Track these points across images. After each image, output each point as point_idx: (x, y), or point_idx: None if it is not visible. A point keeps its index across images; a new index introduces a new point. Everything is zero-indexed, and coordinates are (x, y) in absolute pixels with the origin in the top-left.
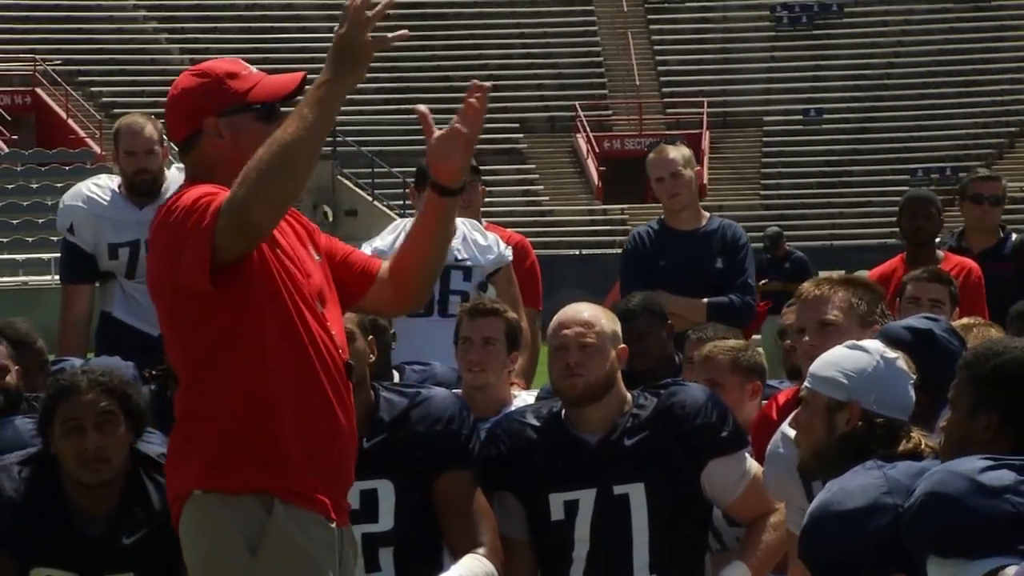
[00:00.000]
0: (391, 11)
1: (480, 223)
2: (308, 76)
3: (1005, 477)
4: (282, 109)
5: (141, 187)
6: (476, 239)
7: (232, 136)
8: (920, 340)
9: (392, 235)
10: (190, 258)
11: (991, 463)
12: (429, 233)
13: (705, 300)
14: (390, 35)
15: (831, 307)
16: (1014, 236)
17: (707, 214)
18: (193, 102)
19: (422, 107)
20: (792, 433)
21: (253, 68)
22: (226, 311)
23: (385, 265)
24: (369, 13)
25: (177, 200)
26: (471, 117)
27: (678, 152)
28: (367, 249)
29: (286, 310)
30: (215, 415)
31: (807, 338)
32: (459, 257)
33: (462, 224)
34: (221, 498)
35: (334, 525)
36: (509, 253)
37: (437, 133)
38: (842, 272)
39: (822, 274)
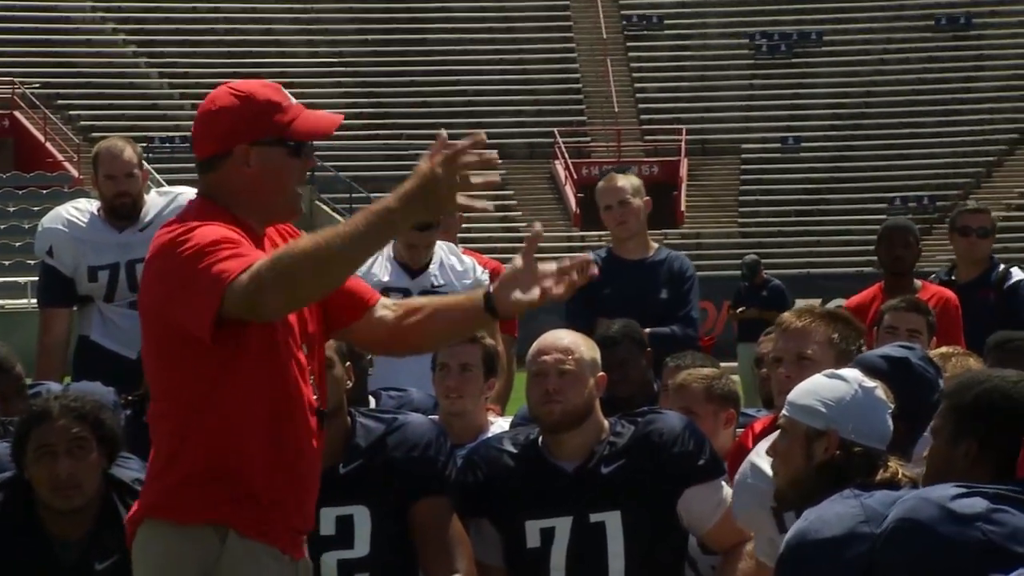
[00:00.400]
0: (368, 37)
1: (456, 248)
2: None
3: (977, 505)
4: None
5: (121, 210)
6: (453, 264)
7: (260, 167)
8: (896, 369)
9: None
10: (198, 307)
11: (964, 491)
12: (455, 326)
13: (648, 330)
14: (478, 203)
15: (811, 341)
16: (1002, 267)
17: (655, 245)
18: (229, 123)
19: (537, 226)
20: (761, 463)
21: (292, 98)
22: (215, 360)
23: (385, 304)
24: (467, 159)
25: (190, 230)
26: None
27: (627, 181)
28: None
29: (273, 363)
30: (185, 447)
31: (783, 369)
32: (436, 283)
33: (439, 249)
34: (176, 527)
35: (288, 559)
36: (485, 277)
37: (524, 261)
38: (818, 303)
39: (801, 304)
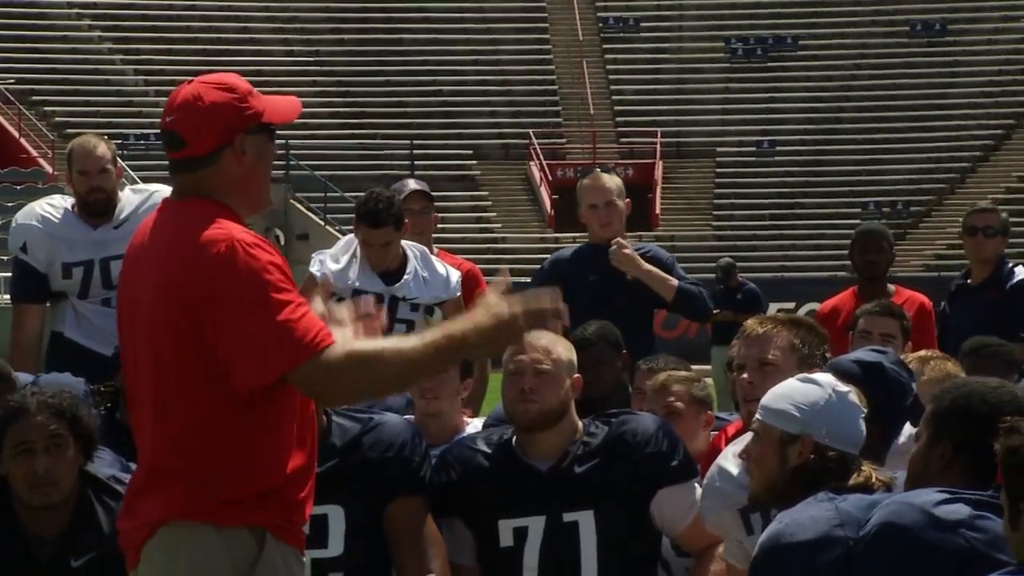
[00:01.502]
0: (344, 36)
1: (431, 250)
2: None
3: (960, 511)
4: None
5: (95, 206)
6: (426, 276)
7: (253, 155)
8: (869, 373)
9: (345, 255)
10: (262, 363)
11: (947, 496)
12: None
13: (676, 281)
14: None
15: (772, 347)
16: (1008, 266)
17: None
18: (224, 116)
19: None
20: (729, 466)
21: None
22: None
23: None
24: (547, 323)
25: (250, 260)
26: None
27: (613, 182)
28: (315, 264)
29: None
30: (224, 454)
31: (745, 375)
32: (409, 295)
33: (412, 257)
34: (215, 528)
35: (304, 559)
36: (458, 287)
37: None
38: (788, 308)
39: (771, 310)
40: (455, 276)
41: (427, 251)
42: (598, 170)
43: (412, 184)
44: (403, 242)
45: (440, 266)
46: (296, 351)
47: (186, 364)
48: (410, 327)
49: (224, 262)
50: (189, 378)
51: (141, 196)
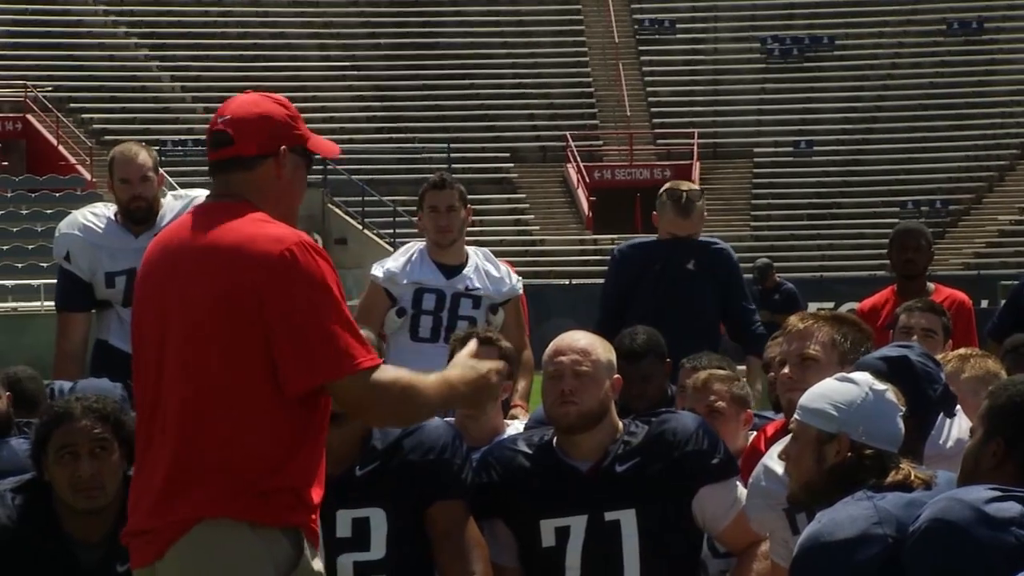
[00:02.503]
0: (380, 40)
1: (490, 253)
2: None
3: (1011, 509)
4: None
5: (137, 214)
6: (488, 270)
7: (290, 172)
8: (896, 368)
9: (404, 256)
10: (305, 370)
11: (998, 494)
12: None
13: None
14: None
15: (813, 342)
16: None
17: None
18: (274, 125)
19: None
20: (775, 466)
21: None
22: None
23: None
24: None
25: (315, 268)
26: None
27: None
28: (377, 269)
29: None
30: (263, 451)
31: (786, 370)
32: (470, 287)
33: (475, 255)
34: (251, 527)
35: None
36: (520, 285)
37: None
38: (827, 307)
39: (812, 308)
40: (516, 277)
41: (488, 252)
42: (676, 183)
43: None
44: (467, 247)
45: (503, 266)
46: (346, 361)
47: (235, 362)
48: (472, 324)
49: (288, 261)
50: (238, 376)
51: (183, 202)
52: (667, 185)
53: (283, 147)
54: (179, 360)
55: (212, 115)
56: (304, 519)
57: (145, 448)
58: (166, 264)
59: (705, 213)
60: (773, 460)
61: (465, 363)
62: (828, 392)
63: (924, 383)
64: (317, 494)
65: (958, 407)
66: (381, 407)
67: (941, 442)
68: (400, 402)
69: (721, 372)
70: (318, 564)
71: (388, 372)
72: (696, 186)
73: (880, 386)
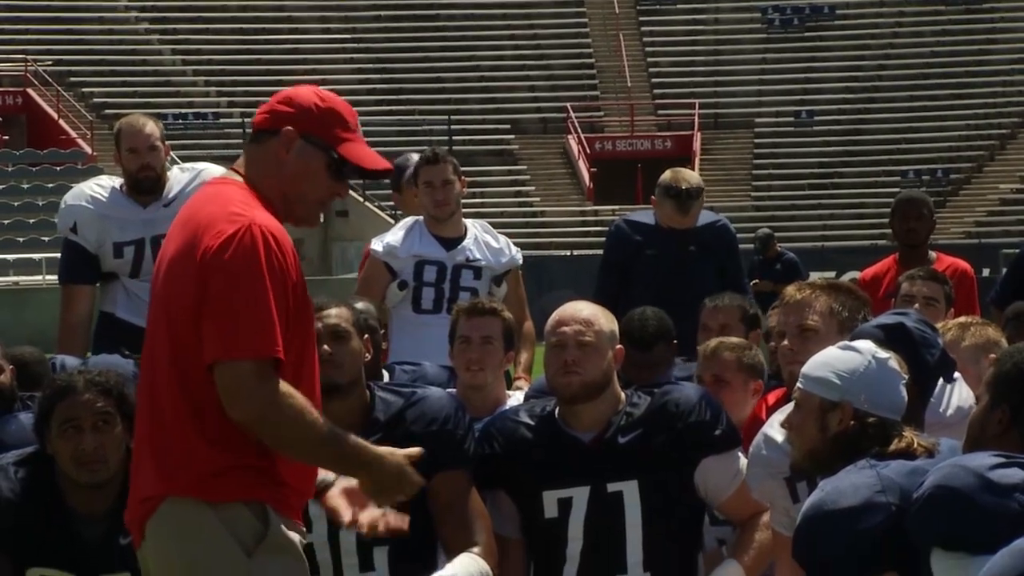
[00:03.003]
0: (381, 12)
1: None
2: (389, 170)
3: (1015, 476)
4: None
5: (145, 184)
6: (488, 241)
7: (296, 160)
8: (891, 334)
9: (403, 230)
10: (208, 348)
11: (1002, 460)
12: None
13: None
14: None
15: (812, 312)
16: None
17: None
18: (291, 108)
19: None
20: (775, 434)
21: (360, 132)
22: None
23: None
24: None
25: (240, 241)
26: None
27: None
28: (376, 243)
29: (301, 357)
30: (218, 432)
31: (786, 342)
32: (471, 258)
33: (473, 227)
34: (214, 505)
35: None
36: (520, 256)
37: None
38: (829, 277)
39: (813, 278)
40: (516, 248)
41: (487, 224)
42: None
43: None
44: (465, 220)
45: (502, 237)
46: (234, 345)
47: (180, 340)
48: (474, 295)
49: (224, 245)
50: (184, 354)
51: (189, 174)
52: (667, 176)
53: (288, 127)
54: (155, 337)
55: (212, 89)
56: (271, 493)
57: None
58: (167, 244)
59: (704, 199)
60: (774, 429)
61: (395, 453)
62: (831, 360)
63: (921, 348)
64: (289, 467)
65: (958, 374)
66: (246, 407)
67: (941, 410)
68: (271, 416)
69: (730, 340)
70: (293, 536)
71: (280, 381)
72: (696, 178)
73: (883, 354)
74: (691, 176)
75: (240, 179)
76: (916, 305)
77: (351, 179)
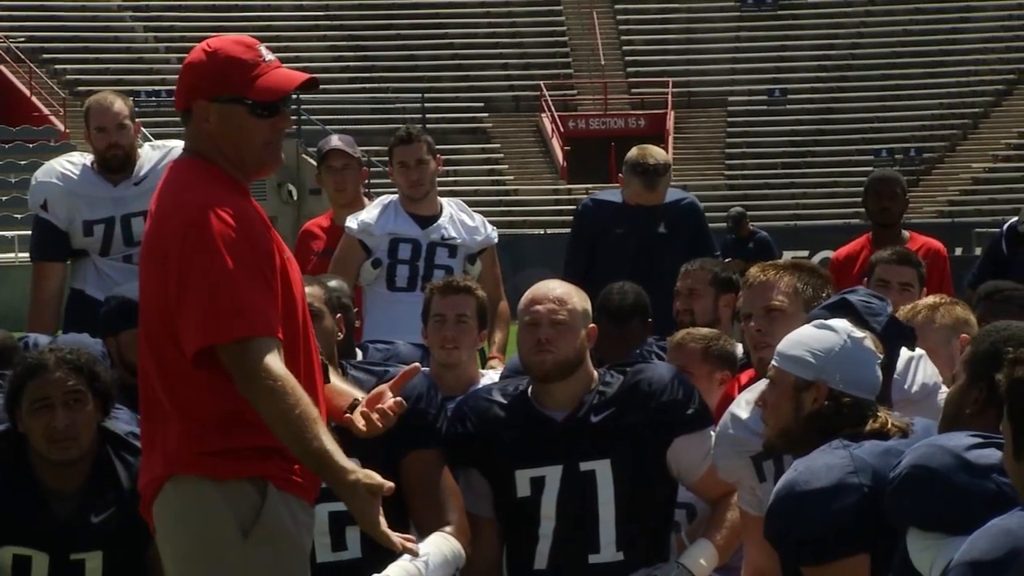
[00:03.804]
0: None
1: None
2: (313, 79)
3: (991, 456)
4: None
5: (113, 162)
6: (463, 219)
7: (219, 123)
8: (835, 310)
9: (378, 208)
10: (191, 334)
11: (979, 440)
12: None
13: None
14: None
15: (776, 292)
16: None
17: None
18: (193, 79)
19: None
20: (741, 413)
21: (266, 54)
22: None
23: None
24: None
25: (197, 219)
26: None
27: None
28: (351, 221)
29: (294, 326)
30: (216, 407)
31: (753, 323)
32: (446, 236)
33: (449, 205)
34: (215, 483)
35: (312, 509)
36: (495, 235)
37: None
38: (802, 255)
39: (787, 256)
40: (491, 227)
41: (462, 203)
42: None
43: (335, 140)
44: (440, 199)
45: (477, 215)
46: (231, 325)
47: (167, 321)
48: (448, 273)
49: (185, 224)
50: (173, 335)
51: (160, 152)
52: (634, 153)
53: (198, 101)
54: (142, 320)
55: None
56: (273, 469)
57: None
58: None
59: (672, 177)
60: (740, 407)
61: (371, 475)
62: (806, 339)
63: (867, 318)
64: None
65: (922, 351)
66: (246, 382)
67: (906, 387)
68: (263, 388)
69: (698, 332)
70: (298, 512)
71: (275, 354)
72: (662, 154)
73: (858, 334)
74: (658, 152)
75: (194, 156)
76: (891, 290)
77: (280, 109)
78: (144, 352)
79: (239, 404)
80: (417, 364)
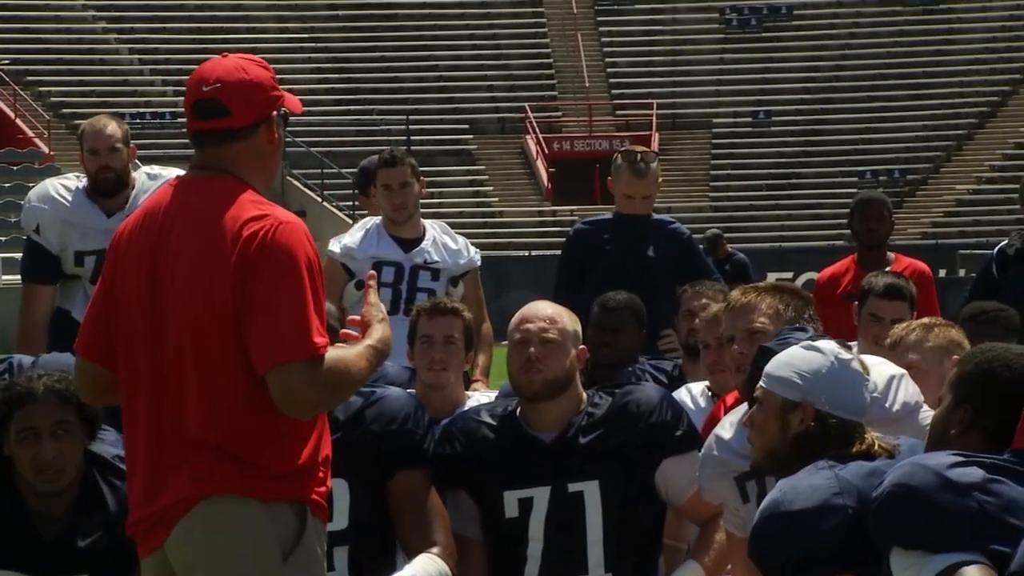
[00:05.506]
0: (339, 12)
1: (446, 226)
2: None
3: (974, 474)
4: None
5: (104, 185)
6: (446, 242)
7: (278, 135)
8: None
9: (361, 231)
10: (261, 354)
11: (961, 459)
12: None
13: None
14: None
15: (758, 314)
16: None
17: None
18: (266, 91)
19: None
20: (725, 434)
21: None
22: None
23: None
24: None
25: (291, 251)
26: None
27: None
28: (334, 244)
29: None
30: (261, 427)
31: (736, 346)
32: (429, 259)
33: (432, 228)
34: (261, 503)
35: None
36: (478, 257)
37: None
38: (786, 277)
39: (771, 279)
40: (474, 250)
41: (445, 225)
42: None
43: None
44: (424, 221)
45: (460, 239)
46: (293, 348)
47: (229, 343)
48: (431, 296)
49: (268, 242)
50: (233, 356)
51: (157, 183)
52: (622, 148)
53: (275, 112)
54: (176, 340)
55: (169, 88)
56: (310, 493)
57: (132, 425)
58: (152, 236)
59: (660, 179)
60: (724, 429)
61: (376, 319)
62: (793, 360)
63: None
64: (324, 468)
65: (903, 371)
66: (309, 398)
67: (887, 405)
68: (328, 394)
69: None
70: (324, 538)
71: (325, 378)
72: (652, 150)
73: (845, 355)
74: (644, 148)
75: (224, 175)
76: (884, 325)
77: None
78: (181, 373)
79: (283, 426)
80: (373, 272)
